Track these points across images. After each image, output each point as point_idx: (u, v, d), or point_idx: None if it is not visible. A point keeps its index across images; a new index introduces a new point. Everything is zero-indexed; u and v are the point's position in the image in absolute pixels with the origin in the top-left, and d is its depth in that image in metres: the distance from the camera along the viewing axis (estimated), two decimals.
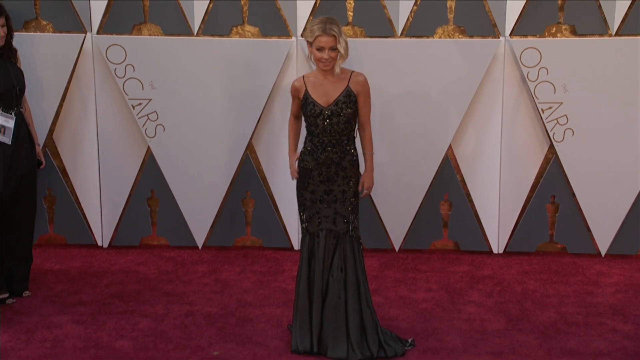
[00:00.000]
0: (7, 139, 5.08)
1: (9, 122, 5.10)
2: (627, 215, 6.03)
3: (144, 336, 4.79)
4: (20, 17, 5.88)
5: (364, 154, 4.64)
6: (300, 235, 4.67)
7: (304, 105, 4.52)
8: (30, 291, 5.39)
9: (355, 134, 4.60)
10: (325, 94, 4.49)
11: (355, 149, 4.57)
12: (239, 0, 5.90)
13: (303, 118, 4.61)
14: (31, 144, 5.33)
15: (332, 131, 4.49)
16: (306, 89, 4.51)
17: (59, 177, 6.16)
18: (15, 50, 5.24)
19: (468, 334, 4.83)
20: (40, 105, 5.88)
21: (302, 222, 4.64)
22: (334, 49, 4.38)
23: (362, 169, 4.61)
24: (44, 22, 5.98)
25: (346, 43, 4.42)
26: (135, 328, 4.89)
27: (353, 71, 4.54)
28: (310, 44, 4.43)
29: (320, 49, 4.38)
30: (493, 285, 5.60)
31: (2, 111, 5.09)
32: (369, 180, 4.64)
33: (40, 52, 5.85)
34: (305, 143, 4.59)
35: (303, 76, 4.58)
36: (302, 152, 4.59)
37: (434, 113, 5.91)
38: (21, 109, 5.22)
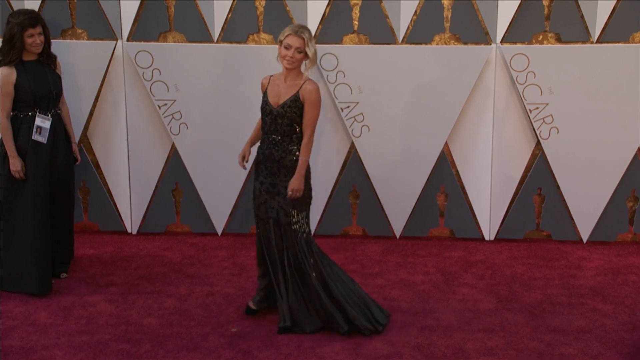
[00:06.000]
0: (42, 138, 5.09)
1: (45, 123, 5.11)
2: (606, 205, 6.01)
3: (169, 314, 4.81)
4: (58, 26, 5.88)
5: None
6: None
7: (261, 103, 4.50)
8: (67, 273, 5.42)
9: (301, 137, 4.47)
10: (277, 95, 4.44)
11: (299, 149, 4.44)
12: (255, 10, 5.90)
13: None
14: (68, 142, 5.35)
15: (277, 130, 4.43)
16: (267, 88, 4.49)
17: (93, 170, 6.18)
18: (54, 57, 5.25)
19: (462, 312, 4.83)
20: (75, 106, 5.89)
21: (253, 208, 4.63)
22: (300, 51, 4.33)
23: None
24: (80, 31, 5.98)
25: (315, 51, 4.36)
26: (162, 307, 4.91)
27: (308, 79, 4.44)
28: (280, 42, 4.38)
29: (287, 47, 4.33)
30: (485, 269, 5.60)
31: (39, 113, 5.11)
32: (293, 183, 4.41)
33: (76, 58, 5.86)
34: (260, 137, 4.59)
35: (271, 75, 4.55)
36: (258, 146, 4.60)
37: (432, 113, 5.90)
38: (58, 111, 5.23)
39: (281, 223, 4.51)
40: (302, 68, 4.47)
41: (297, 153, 4.45)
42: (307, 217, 4.55)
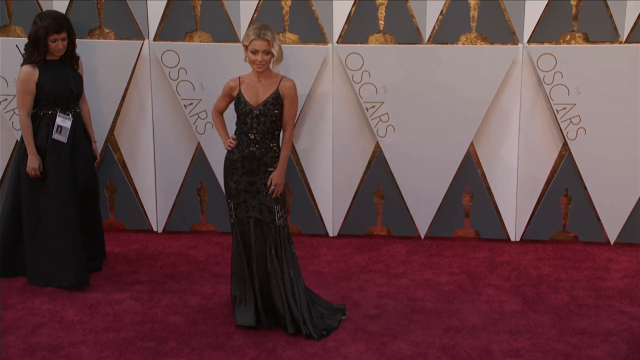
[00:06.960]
0: (62, 138, 5.14)
1: (66, 123, 5.16)
2: (634, 207, 5.95)
3: (194, 312, 4.83)
4: (85, 25, 5.93)
5: (280, 153, 4.55)
6: (231, 224, 4.64)
7: (236, 104, 4.52)
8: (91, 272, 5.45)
9: (280, 133, 4.56)
10: (255, 95, 4.48)
11: (278, 146, 4.54)
12: (281, 10, 5.91)
13: (236, 115, 4.56)
14: (88, 141, 5.39)
15: (259, 129, 4.47)
16: (240, 89, 4.51)
17: (119, 169, 6.22)
18: (77, 58, 5.29)
19: (487, 314, 4.81)
20: (102, 105, 5.94)
21: (229, 210, 4.61)
22: (267, 52, 4.37)
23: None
24: (107, 30, 6.03)
25: (280, 47, 4.41)
26: (187, 305, 4.94)
27: (284, 76, 4.52)
28: (246, 47, 4.41)
29: (254, 52, 4.38)
30: (510, 270, 5.56)
31: (60, 112, 5.15)
32: (276, 177, 4.51)
33: (103, 57, 5.90)
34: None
35: (239, 77, 4.57)
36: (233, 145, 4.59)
37: (457, 113, 5.87)
38: (78, 110, 5.27)
39: (265, 221, 4.53)
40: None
41: (276, 149, 4.52)
42: (285, 211, 4.61)
